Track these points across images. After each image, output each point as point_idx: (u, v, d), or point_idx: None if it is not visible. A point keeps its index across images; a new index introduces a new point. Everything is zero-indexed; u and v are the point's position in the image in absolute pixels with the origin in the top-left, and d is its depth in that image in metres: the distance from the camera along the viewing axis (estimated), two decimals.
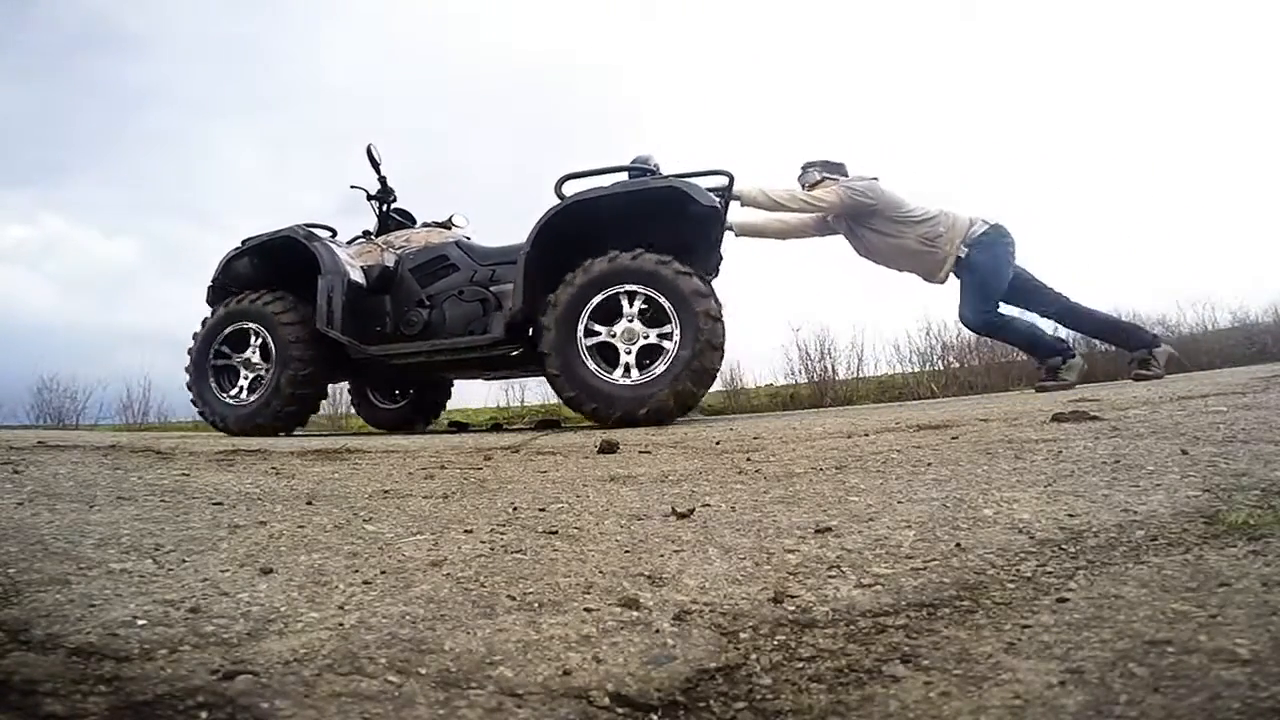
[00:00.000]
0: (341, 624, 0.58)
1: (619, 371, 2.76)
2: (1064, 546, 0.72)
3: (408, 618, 0.60)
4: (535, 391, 7.11)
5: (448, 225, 3.91)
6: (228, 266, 3.44)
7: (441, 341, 3.15)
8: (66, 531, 0.89)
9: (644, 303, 2.76)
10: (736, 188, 3.31)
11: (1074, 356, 3.62)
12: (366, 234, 3.68)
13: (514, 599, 0.65)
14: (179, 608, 0.61)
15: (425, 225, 3.83)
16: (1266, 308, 7.68)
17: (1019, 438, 1.49)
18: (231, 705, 0.43)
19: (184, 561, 0.77)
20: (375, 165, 3.74)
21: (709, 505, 1.04)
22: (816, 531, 0.84)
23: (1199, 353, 6.67)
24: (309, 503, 1.16)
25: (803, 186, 3.71)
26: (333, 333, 3.12)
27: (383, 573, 0.73)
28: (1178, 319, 7.61)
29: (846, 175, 3.66)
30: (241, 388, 3.31)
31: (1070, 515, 0.83)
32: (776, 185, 3.57)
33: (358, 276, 3.27)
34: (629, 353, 2.76)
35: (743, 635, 0.55)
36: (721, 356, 2.74)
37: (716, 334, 2.67)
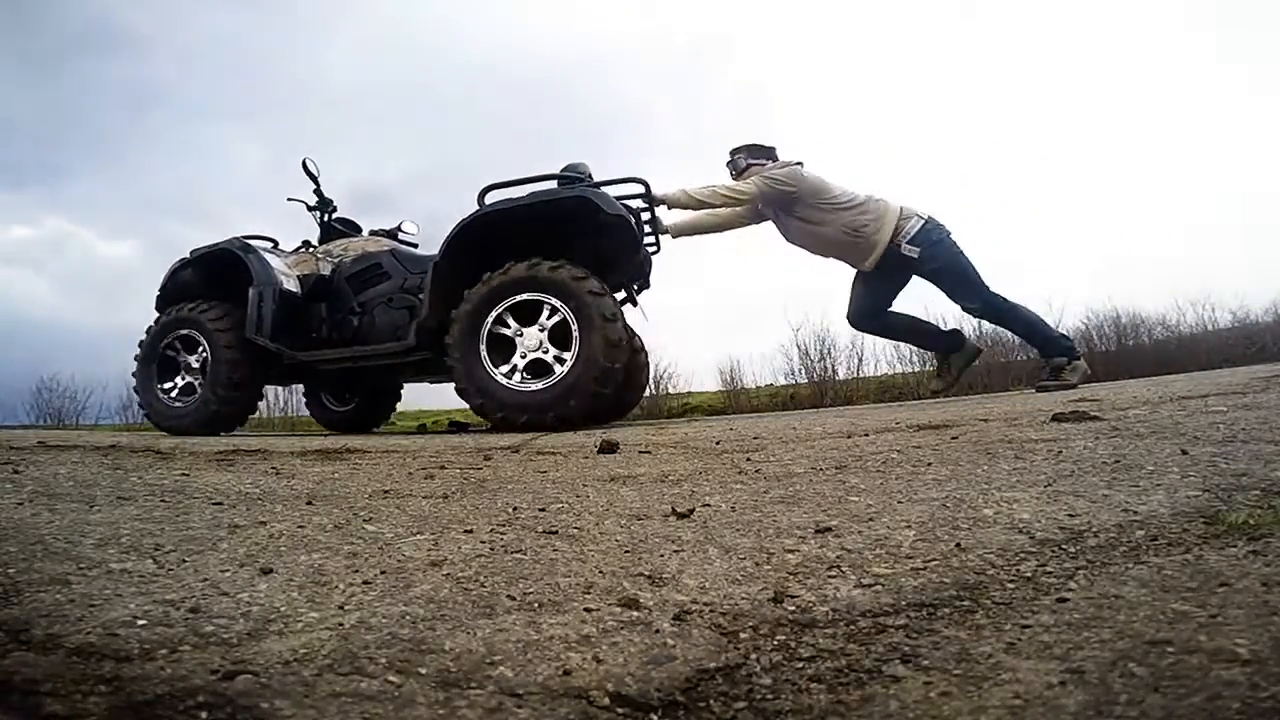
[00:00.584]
0: (341, 624, 0.58)
1: (520, 378, 2.84)
2: (1064, 546, 0.72)
3: (408, 618, 0.60)
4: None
5: (394, 233, 4.02)
6: (174, 276, 3.64)
7: (362, 348, 3.28)
8: (66, 531, 0.89)
9: (546, 311, 2.82)
10: (660, 192, 3.39)
11: (1079, 358, 3.61)
12: (306, 244, 3.86)
13: (514, 599, 0.65)
14: (179, 608, 0.61)
15: (372, 233, 3.96)
16: (1266, 308, 7.69)
17: (1019, 438, 1.49)
18: (231, 705, 0.43)
19: (184, 561, 0.77)
20: (313, 179, 3.92)
21: (709, 505, 1.04)
22: (816, 531, 0.84)
23: (1199, 352, 6.67)
24: (309, 503, 1.16)
25: (730, 173, 3.69)
26: (261, 340, 3.27)
27: (383, 573, 0.73)
28: (1178, 319, 7.62)
29: (776, 160, 3.60)
30: (181, 390, 3.52)
31: (1070, 515, 0.83)
32: (697, 183, 3.55)
33: (291, 286, 3.43)
34: (530, 360, 2.84)
35: (743, 635, 0.55)
36: (621, 361, 2.79)
37: (614, 346, 2.73)
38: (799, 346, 6.90)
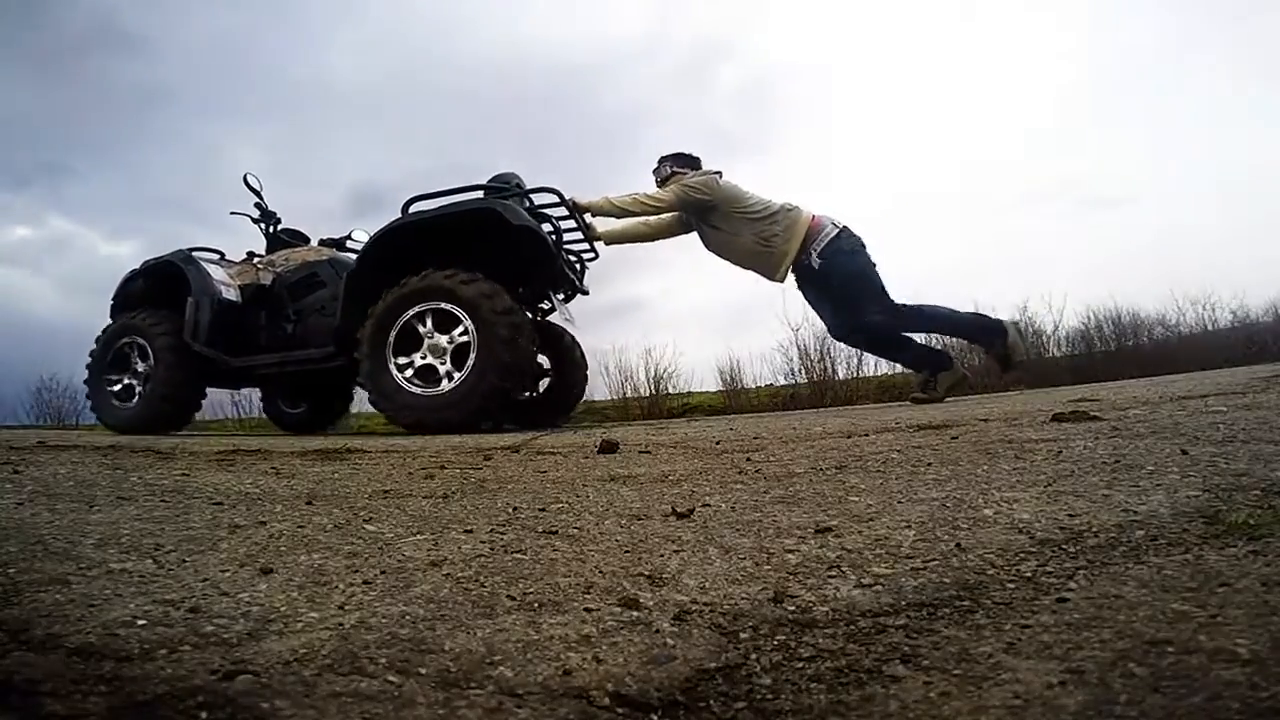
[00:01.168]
0: (341, 624, 0.58)
1: (424, 382, 2.97)
2: (1064, 546, 0.72)
3: (408, 618, 0.60)
4: None
5: (343, 242, 4.19)
6: (125, 286, 3.90)
7: (289, 354, 3.51)
8: (66, 531, 0.89)
9: (447, 319, 2.95)
10: (583, 199, 3.46)
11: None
12: (250, 254, 4.03)
13: (514, 599, 0.65)
14: (179, 608, 0.61)
15: (321, 242, 4.13)
16: (1266, 308, 7.69)
17: (1019, 438, 1.49)
18: (231, 705, 0.43)
19: (184, 561, 0.77)
20: (255, 193, 4.11)
21: (709, 505, 1.04)
22: (816, 531, 0.84)
23: (1199, 352, 6.67)
24: (309, 503, 1.16)
25: (655, 181, 3.72)
26: (197, 346, 3.48)
27: (383, 573, 0.73)
28: (1178, 319, 7.62)
29: (699, 169, 3.63)
30: (127, 391, 3.75)
31: (1070, 515, 0.83)
32: (621, 192, 3.59)
33: (231, 295, 3.64)
34: (433, 365, 2.98)
35: (743, 635, 0.55)
36: (518, 367, 2.92)
37: (511, 348, 2.84)
38: (799, 346, 6.89)
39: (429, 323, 2.98)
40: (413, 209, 3.17)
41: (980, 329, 3.62)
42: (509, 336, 2.83)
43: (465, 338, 2.91)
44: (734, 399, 6.87)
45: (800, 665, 0.50)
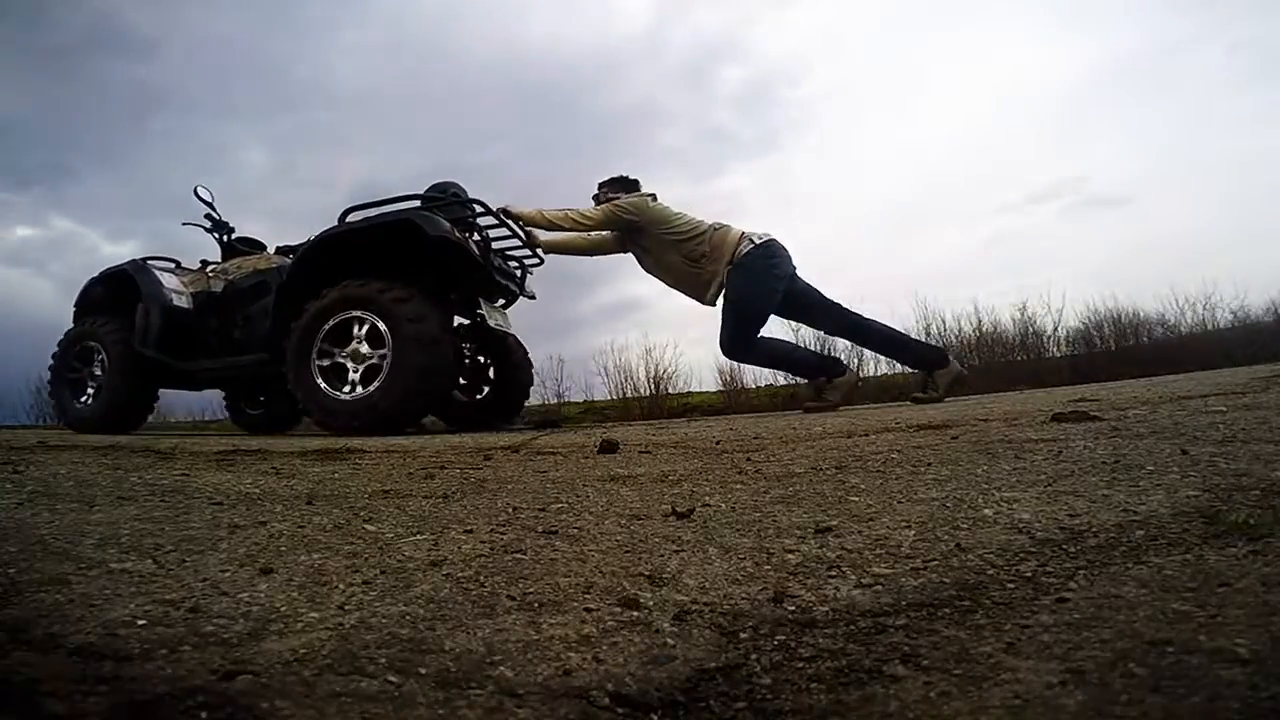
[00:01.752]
0: (341, 624, 0.58)
1: (345, 387, 3.13)
2: (1064, 546, 0.72)
3: (408, 618, 0.60)
4: (535, 392, 7.11)
5: (297, 249, 4.29)
6: (87, 293, 4.09)
7: (230, 359, 3.68)
8: (66, 531, 0.89)
9: (366, 326, 3.11)
10: (516, 209, 3.54)
11: (842, 374, 3.55)
12: (204, 263, 4.23)
13: (514, 599, 0.65)
14: (179, 608, 0.61)
15: (277, 250, 4.25)
16: (1266, 308, 7.69)
17: (1019, 438, 1.49)
18: (231, 705, 0.43)
19: (184, 561, 0.77)
20: (207, 205, 4.27)
21: (709, 505, 1.04)
22: (816, 531, 0.84)
23: (1199, 352, 6.68)
24: (309, 503, 1.16)
25: (595, 203, 3.76)
26: (147, 351, 3.68)
27: (383, 573, 0.73)
28: (1178, 319, 7.62)
29: (636, 191, 3.69)
30: (87, 394, 3.98)
31: (1070, 515, 0.83)
32: (556, 206, 3.60)
33: (182, 302, 3.83)
34: (355, 370, 3.14)
35: (743, 635, 0.55)
36: (433, 372, 3.04)
37: (425, 354, 2.98)
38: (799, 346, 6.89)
39: (350, 331, 3.15)
40: (350, 218, 3.32)
41: (820, 364, 3.62)
42: (423, 343, 2.97)
43: (383, 345, 3.06)
44: (734, 399, 6.87)
45: (800, 665, 0.50)
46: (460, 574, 0.73)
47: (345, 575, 0.72)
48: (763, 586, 0.66)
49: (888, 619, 0.57)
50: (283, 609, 0.62)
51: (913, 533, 0.81)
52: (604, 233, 3.71)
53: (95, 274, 4.08)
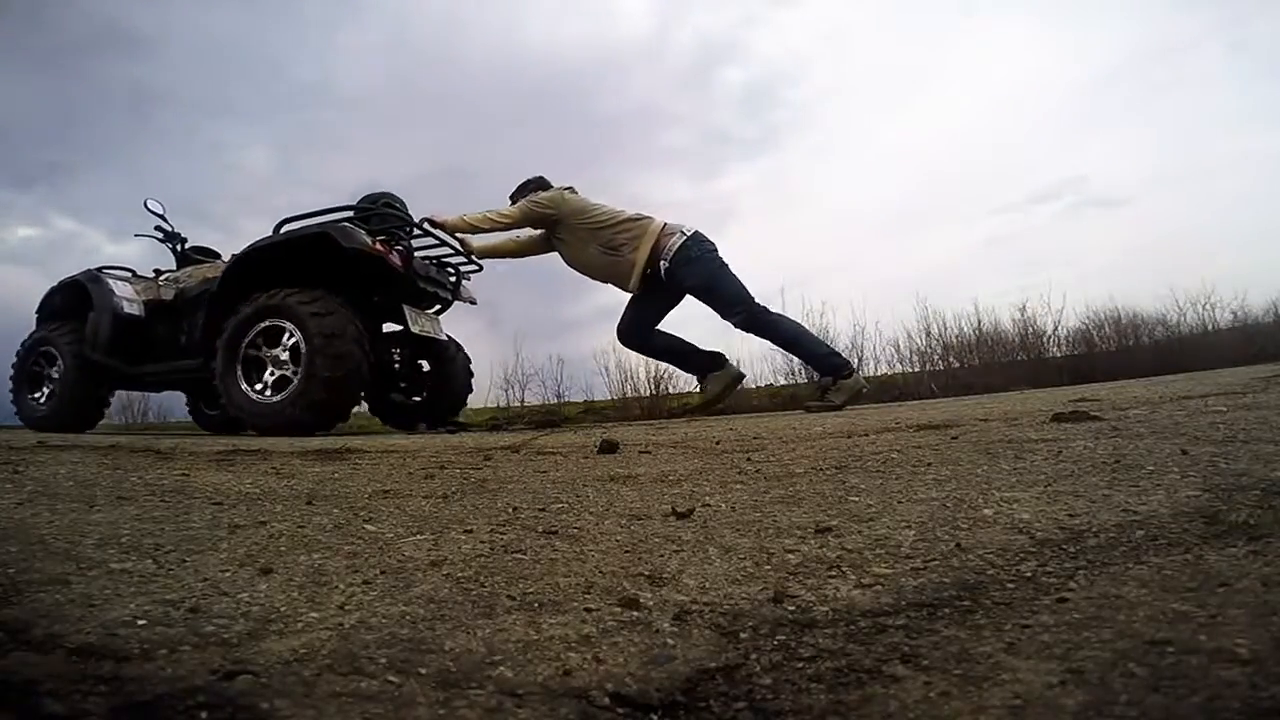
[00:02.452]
0: (341, 624, 0.58)
1: (266, 391, 3.34)
2: (1064, 546, 0.72)
3: (408, 618, 0.60)
4: (535, 392, 7.13)
5: None
6: (48, 300, 4.36)
7: (174, 363, 3.90)
8: (66, 531, 0.89)
9: (285, 334, 3.32)
10: (440, 218, 3.65)
11: (849, 375, 3.52)
12: (157, 272, 4.45)
13: (514, 599, 0.65)
14: (179, 608, 0.61)
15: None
16: (1266, 308, 7.69)
17: (1019, 438, 1.49)
18: (231, 705, 0.43)
19: (184, 561, 0.77)
20: (158, 216, 4.50)
21: (709, 505, 1.04)
22: (816, 531, 0.84)
23: (1199, 352, 6.68)
24: (309, 503, 1.16)
25: (512, 203, 3.83)
26: (96, 356, 3.91)
27: (383, 573, 0.73)
28: (1178, 319, 7.62)
29: (547, 189, 3.75)
30: (43, 395, 4.25)
31: (1070, 515, 0.83)
32: (477, 209, 3.67)
33: (133, 310, 4.06)
34: (273, 375, 3.35)
35: (743, 635, 0.55)
36: (343, 378, 3.20)
37: (335, 361, 3.16)
38: None
39: (271, 337, 3.37)
40: (285, 228, 3.55)
41: (816, 359, 3.59)
42: (333, 351, 3.16)
43: (299, 351, 3.26)
44: (734, 399, 6.86)
45: (800, 665, 0.50)
46: (460, 574, 0.73)
47: (345, 575, 0.72)
48: (763, 586, 0.66)
49: (888, 619, 0.57)
50: (283, 609, 0.62)
51: (913, 533, 0.81)
52: (531, 233, 3.79)
53: (54, 283, 4.39)
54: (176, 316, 4.07)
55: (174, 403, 6.91)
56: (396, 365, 4.18)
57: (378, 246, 3.39)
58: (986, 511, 0.88)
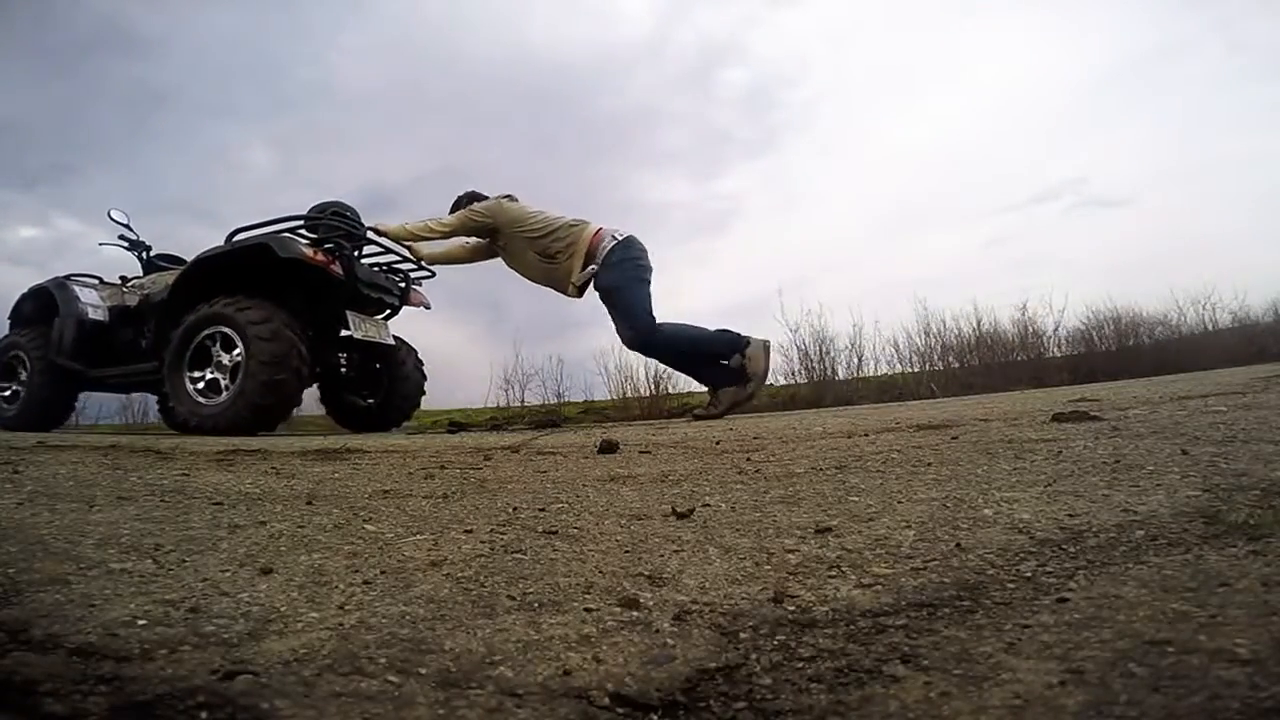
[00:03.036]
0: (341, 624, 0.58)
1: (209, 394, 3.52)
2: (1064, 546, 0.72)
3: (408, 618, 0.60)
4: (535, 392, 7.13)
5: None
6: (19, 306, 4.55)
7: (130, 367, 4.06)
8: (66, 531, 0.89)
9: (230, 340, 3.48)
10: (383, 225, 3.79)
11: (747, 345, 3.48)
12: (123, 279, 4.62)
13: (514, 599, 0.65)
14: (179, 608, 0.61)
15: None
16: (1266, 308, 7.69)
17: (1019, 438, 1.49)
18: (231, 705, 0.43)
19: (184, 561, 0.77)
20: (123, 226, 4.62)
21: (709, 505, 1.04)
22: (816, 531, 0.84)
23: (1199, 352, 6.68)
24: (309, 503, 1.16)
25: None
26: (60, 360, 4.10)
27: (383, 573, 0.73)
28: (1178, 319, 7.62)
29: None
30: (14, 397, 4.44)
31: (1070, 515, 0.83)
32: (420, 218, 3.78)
33: (98, 315, 4.26)
34: (216, 379, 3.52)
35: (743, 635, 0.55)
36: (279, 383, 3.35)
37: (270, 367, 3.32)
38: (799, 346, 6.90)
39: (216, 343, 3.54)
40: (238, 237, 3.70)
41: (724, 342, 3.52)
42: (268, 356, 3.32)
43: (240, 357, 3.42)
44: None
45: (800, 665, 0.50)
46: (460, 574, 0.73)
47: (345, 575, 0.72)
48: (763, 586, 0.66)
49: (888, 619, 0.57)
50: (283, 609, 0.62)
51: (913, 533, 0.81)
52: (481, 242, 3.85)
53: (24, 290, 4.59)
54: (140, 322, 4.24)
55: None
56: (344, 369, 4.38)
57: (317, 256, 3.56)
58: (986, 511, 0.88)
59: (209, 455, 1.89)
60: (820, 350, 6.79)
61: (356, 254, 3.94)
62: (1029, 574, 0.65)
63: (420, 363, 4.60)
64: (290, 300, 3.60)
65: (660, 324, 3.45)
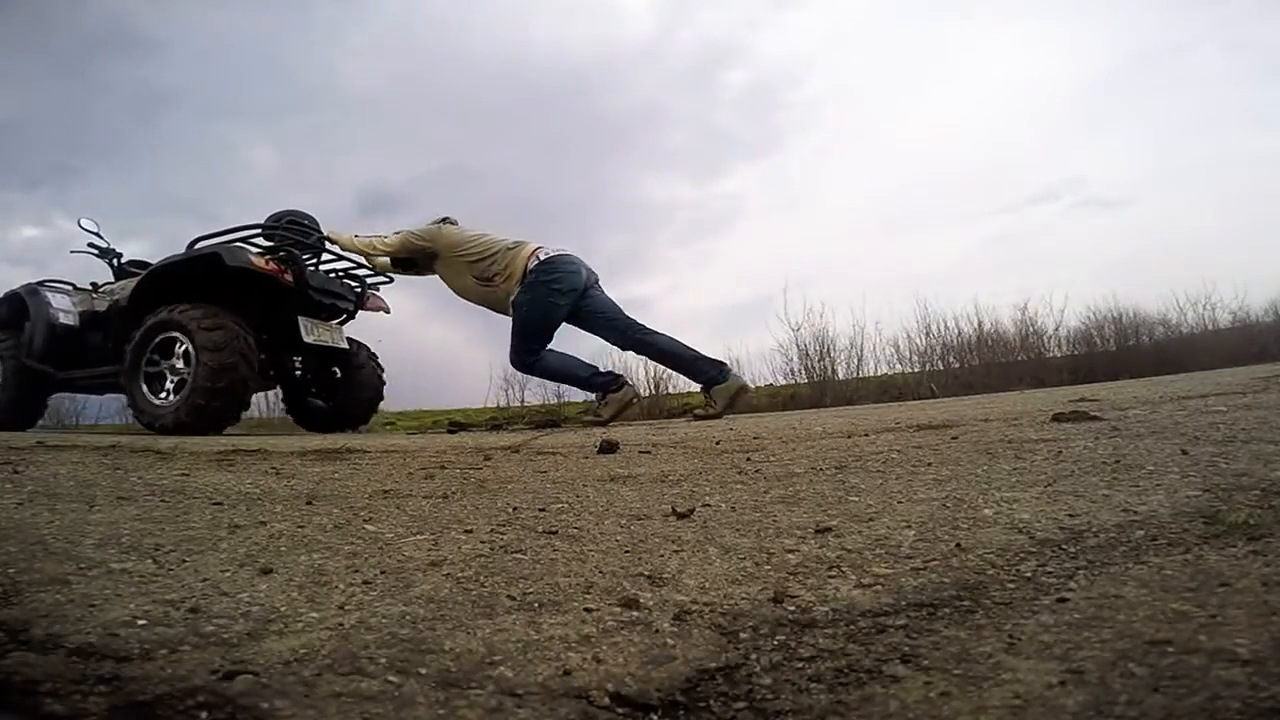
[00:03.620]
0: (341, 624, 0.58)
1: (162, 395, 3.72)
2: (1064, 546, 0.72)
3: (408, 618, 0.60)
4: (535, 392, 7.13)
5: None
6: None
7: (96, 369, 4.23)
8: (66, 531, 0.89)
9: (179, 344, 3.67)
10: (335, 234, 3.99)
11: (617, 390, 3.56)
12: (94, 285, 4.78)
13: (514, 599, 0.65)
14: (179, 608, 0.61)
15: None
16: (1266, 308, 7.69)
17: (1019, 438, 1.49)
18: (231, 705, 0.43)
19: (184, 561, 0.77)
20: (92, 234, 4.78)
21: (709, 505, 1.04)
22: (816, 531, 0.84)
23: (1199, 352, 6.68)
24: (309, 503, 1.16)
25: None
26: (31, 363, 4.27)
27: (383, 573, 0.73)
28: (1178, 319, 7.63)
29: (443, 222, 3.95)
30: None
31: (1070, 515, 0.83)
32: (367, 234, 3.96)
33: (69, 320, 4.43)
34: (170, 381, 3.72)
35: (743, 635, 0.55)
36: (223, 387, 3.52)
37: (215, 372, 3.49)
38: (799, 346, 6.90)
39: (168, 347, 3.74)
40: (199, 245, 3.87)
41: (596, 385, 3.65)
42: (216, 360, 3.50)
43: (190, 360, 3.62)
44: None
45: (800, 665, 0.50)
46: (460, 574, 0.73)
47: (345, 575, 0.72)
48: (763, 586, 0.66)
49: (888, 619, 0.57)
50: (283, 609, 0.62)
51: (913, 533, 0.81)
52: (409, 256, 3.97)
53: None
54: (109, 326, 4.39)
55: None
56: (298, 372, 4.59)
57: (267, 265, 3.74)
58: (986, 511, 0.88)
59: (209, 455, 1.89)
60: (820, 350, 6.80)
61: (316, 261, 4.19)
62: (1029, 574, 0.65)
63: (379, 368, 4.78)
64: (242, 307, 3.79)
65: (543, 354, 3.58)
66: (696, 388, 4.04)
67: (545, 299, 3.51)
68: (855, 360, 6.83)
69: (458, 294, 3.80)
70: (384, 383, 4.82)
